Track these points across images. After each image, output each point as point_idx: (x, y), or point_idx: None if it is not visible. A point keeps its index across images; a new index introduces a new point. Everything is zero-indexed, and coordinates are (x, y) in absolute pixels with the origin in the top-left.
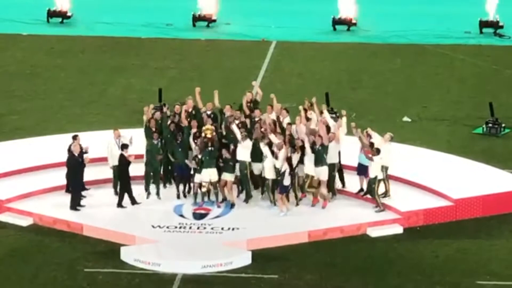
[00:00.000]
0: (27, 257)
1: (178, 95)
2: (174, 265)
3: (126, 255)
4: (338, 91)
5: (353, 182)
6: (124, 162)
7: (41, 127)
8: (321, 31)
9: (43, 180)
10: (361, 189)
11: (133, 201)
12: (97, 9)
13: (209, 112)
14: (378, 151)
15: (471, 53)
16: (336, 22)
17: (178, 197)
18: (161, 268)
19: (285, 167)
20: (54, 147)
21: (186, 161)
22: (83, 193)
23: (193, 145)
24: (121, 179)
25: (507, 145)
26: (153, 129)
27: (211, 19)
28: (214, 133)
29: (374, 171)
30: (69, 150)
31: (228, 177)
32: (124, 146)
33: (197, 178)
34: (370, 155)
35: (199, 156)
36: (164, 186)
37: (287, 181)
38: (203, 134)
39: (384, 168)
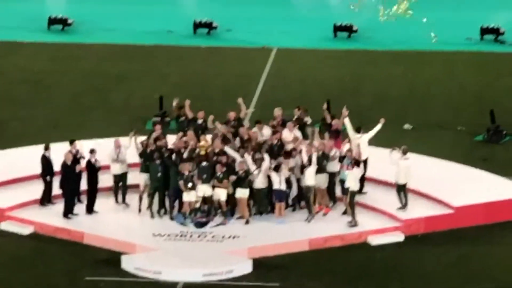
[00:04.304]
0: (28, 266)
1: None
2: (175, 273)
3: (127, 263)
4: (339, 98)
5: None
6: (91, 168)
7: (43, 134)
8: (322, 37)
9: None
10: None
11: (89, 210)
12: (98, 16)
13: (200, 121)
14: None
15: (472, 60)
16: (337, 28)
17: (172, 219)
18: (162, 276)
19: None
20: (56, 154)
21: (180, 182)
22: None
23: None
24: (89, 185)
25: (508, 153)
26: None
27: (212, 26)
28: (208, 149)
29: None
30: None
31: (241, 193)
32: (91, 152)
33: (185, 197)
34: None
35: (186, 173)
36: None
37: (284, 187)
38: (197, 151)
39: (397, 185)
